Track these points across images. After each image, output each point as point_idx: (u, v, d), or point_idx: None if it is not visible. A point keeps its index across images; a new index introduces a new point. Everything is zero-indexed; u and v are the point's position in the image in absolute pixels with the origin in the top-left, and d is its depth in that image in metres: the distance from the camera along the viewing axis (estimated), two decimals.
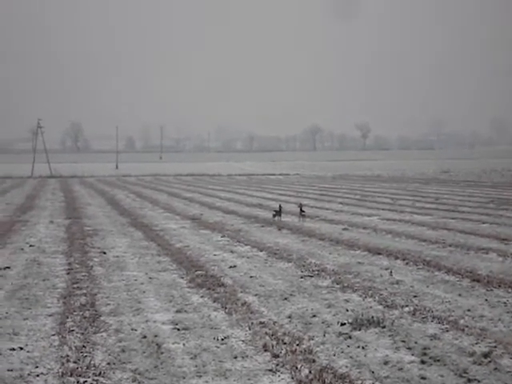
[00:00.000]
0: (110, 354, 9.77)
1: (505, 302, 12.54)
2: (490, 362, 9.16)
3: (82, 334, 10.78)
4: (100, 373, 8.94)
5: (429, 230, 23.51)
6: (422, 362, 9.25)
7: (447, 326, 10.91)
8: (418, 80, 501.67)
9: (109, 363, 9.36)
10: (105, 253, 19.35)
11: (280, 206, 28.32)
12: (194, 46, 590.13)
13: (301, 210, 27.37)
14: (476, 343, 9.97)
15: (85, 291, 13.99)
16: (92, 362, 9.33)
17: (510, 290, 13.48)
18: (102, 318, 11.79)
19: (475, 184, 54.69)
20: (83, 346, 10.08)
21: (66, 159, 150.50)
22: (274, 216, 27.64)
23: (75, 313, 12.10)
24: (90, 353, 9.79)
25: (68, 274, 16.05)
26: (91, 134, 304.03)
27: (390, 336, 10.48)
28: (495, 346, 9.77)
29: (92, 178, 77.02)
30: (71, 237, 23.04)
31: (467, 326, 10.87)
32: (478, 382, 8.50)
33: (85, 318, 11.76)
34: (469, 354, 9.48)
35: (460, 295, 13.24)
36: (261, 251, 19.29)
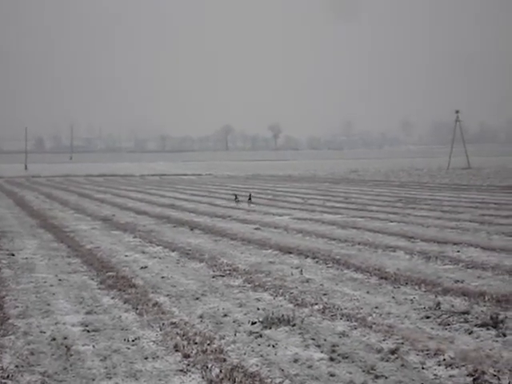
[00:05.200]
0: (18, 357, 9.61)
1: (411, 299, 12.82)
2: (397, 358, 9.36)
3: None
4: (8, 376, 8.80)
5: (338, 228, 23.86)
6: (331, 360, 9.40)
7: (355, 324, 11.11)
8: (330, 81, 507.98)
9: (17, 366, 9.21)
10: (13, 255, 19.00)
11: (236, 195, 35.78)
12: (102, 46, 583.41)
13: (249, 198, 35.41)
14: (383, 340, 10.19)
15: None
16: (0, 365, 9.18)
17: (416, 288, 13.79)
18: (10, 321, 11.59)
19: (383, 183, 55.72)
20: None
21: None
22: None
23: None
24: None
25: None
26: (0, 135, 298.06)
27: (299, 334, 10.62)
28: (402, 343, 9.98)
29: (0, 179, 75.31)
30: None
31: (375, 323, 11.09)
32: (386, 378, 8.67)
33: None
34: (376, 351, 9.68)
35: (368, 293, 13.49)
36: (173, 251, 19.26)
